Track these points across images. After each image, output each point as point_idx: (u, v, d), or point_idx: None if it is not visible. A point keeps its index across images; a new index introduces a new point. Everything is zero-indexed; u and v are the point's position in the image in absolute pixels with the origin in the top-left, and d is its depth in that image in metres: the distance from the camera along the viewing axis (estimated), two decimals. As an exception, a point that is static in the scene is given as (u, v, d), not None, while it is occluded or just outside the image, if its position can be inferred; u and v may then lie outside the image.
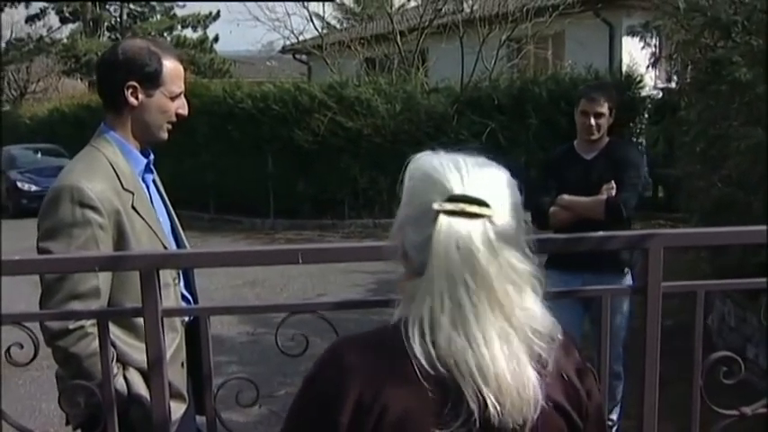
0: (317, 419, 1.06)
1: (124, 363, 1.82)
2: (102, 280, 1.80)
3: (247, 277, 8.64)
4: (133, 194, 1.91)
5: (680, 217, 7.70)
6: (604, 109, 3.40)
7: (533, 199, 3.54)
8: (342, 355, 1.09)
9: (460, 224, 1.03)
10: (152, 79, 1.96)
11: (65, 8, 30.71)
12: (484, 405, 0.99)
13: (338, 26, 23.28)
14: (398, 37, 13.70)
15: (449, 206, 1.04)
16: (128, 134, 2.00)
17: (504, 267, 1.02)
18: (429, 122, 11.96)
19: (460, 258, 1.02)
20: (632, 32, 6.50)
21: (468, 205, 1.03)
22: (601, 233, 1.45)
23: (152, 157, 2.10)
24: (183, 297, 2.05)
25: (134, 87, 1.96)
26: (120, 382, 1.77)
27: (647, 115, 11.89)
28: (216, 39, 32.26)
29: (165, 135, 2.06)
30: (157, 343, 1.43)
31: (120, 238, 1.85)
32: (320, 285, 8.00)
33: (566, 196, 3.39)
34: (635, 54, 10.79)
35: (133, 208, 1.89)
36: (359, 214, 12.18)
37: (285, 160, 12.37)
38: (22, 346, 1.48)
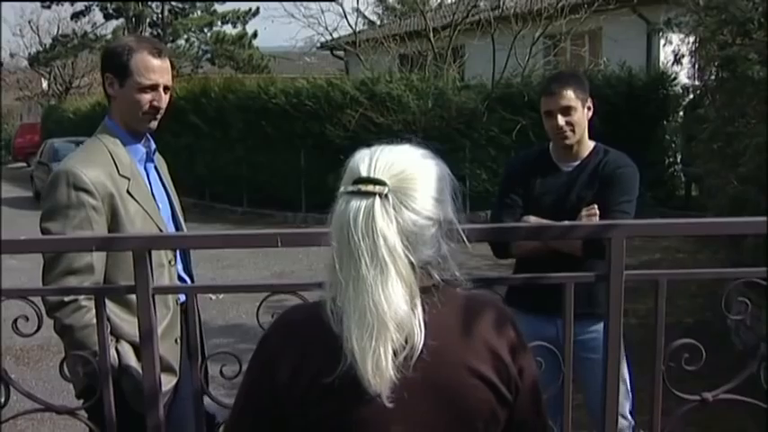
0: (260, 376, 1.20)
1: (117, 336, 1.96)
2: (97, 258, 1.95)
3: (275, 269, 8.84)
4: (129, 180, 2.06)
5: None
6: (572, 101, 2.66)
7: (492, 219, 2.94)
8: (288, 321, 1.23)
9: (353, 203, 1.12)
10: (122, 71, 2.11)
11: (109, 5, 31.43)
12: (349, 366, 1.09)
13: (378, 22, 23.41)
14: (431, 34, 13.74)
15: (350, 188, 1.13)
16: (119, 123, 2.17)
17: (381, 247, 1.09)
18: (460, 119, 12.00)
19: (343, 234, 1.11)
20: (654, 30, 6.45)
21: (364, 185, 1.12)
22: (566, 222, 1.51)
23: (153, 146, 2.23)
24: (181, 279, 2.19)
25: (110, 79, 2.13)
26: (111, 354, 1.90)
27: (682, 113, 11.77)
28: (255, 35, 32.64)
29: (144, 125, 2.17)
30: (148, 318, 1.55)
31: (114, 220, 2.00)
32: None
33: (533, 218, 2.65)
34: (670, 51, 10.71)
35: (128, 193, 2.04)
36: (389, 209, 12.28)
37: (317, 155, 12.52)
38: (27, 319, 1.62)
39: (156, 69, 2.12)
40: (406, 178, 1.15)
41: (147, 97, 2.12)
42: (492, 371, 1.17)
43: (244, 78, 16.34)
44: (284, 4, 24.93)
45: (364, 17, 22.44)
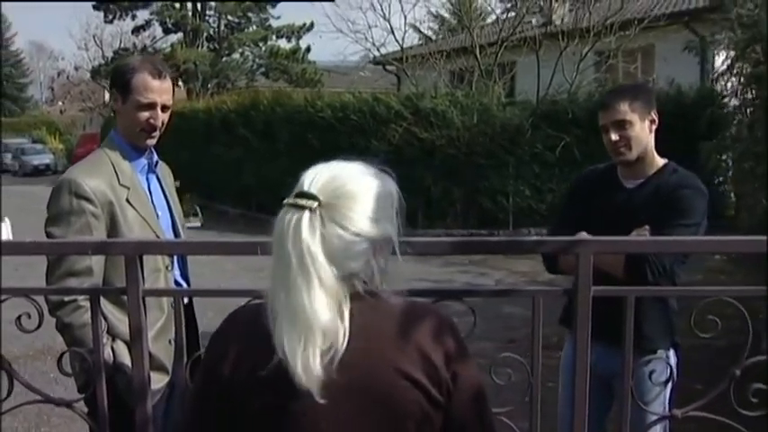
0: (208, 371, 1.30)
1: (113, 335, 2.10)
2: (96, 261, 2.09)
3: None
4: (129, 189, 2.20)
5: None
6: (627, 115, 2.52)
7: (550, 234, 2.83)
8: (233, 320, 1.33)
9: (288, 214, 1.21)
10: (124, 88, 2.26)
11: (168, 19, 32.41)
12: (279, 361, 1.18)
13: (434, 37, 23.56)
14: (478, 50, 13.79)
15: (290, 200, 1.23)
16: (123, 136, 2.30)
17: (305, 257, 1.18)
18: (504, 135, 12.00)
19: (276, 242, 1.21)
20: (688, 48, 6.37)
21: (300, 199, 1.21)
22: (535, 237, 1.55)
23: (155, 158, 2.37)
24: (178, 284, 2.31)
25: (115, 95, 2.28)
26: (107, 352, 2.02)
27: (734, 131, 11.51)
28: (308, 49, 33.14)
29: (142, 141, 2.30)
30: (138, 319, 1.66)
31: (114, 226, 2.14)
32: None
33: (583, 235, 2.27)
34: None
35: (127, 201, 2.18)
36: (432, 224, 12.30)
37: (362, 169, 12.63)
38: (29, 316, 1.74)
39: (155, 89, 2.25)
40: (341, 195, 1.23)
41: (144, 115, 2.26)
42: (422, 374, 1.23)
43: (292, 92, 16.65)
44: (332, 17, 25.17)
45: (419, 32, 22.60)
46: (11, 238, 9.93)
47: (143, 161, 2.34)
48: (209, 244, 1.69)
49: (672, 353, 2.61)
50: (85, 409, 1.90)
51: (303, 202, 1.21)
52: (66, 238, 2.06)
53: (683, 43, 12.93)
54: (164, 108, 2.28)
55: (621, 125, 2.54)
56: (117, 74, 2.27)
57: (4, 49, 54.92)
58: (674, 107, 11.43)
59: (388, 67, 19.91)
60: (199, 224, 14.37)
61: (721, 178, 11.72)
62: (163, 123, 2.29)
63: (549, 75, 12.60)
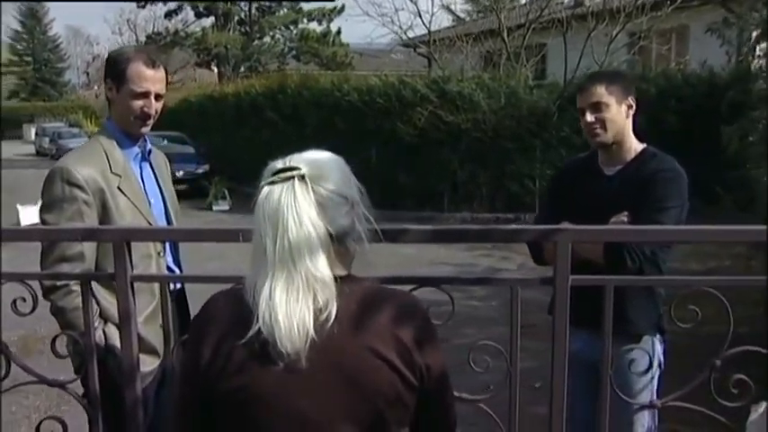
0: (189, 358, 1.34)
1: (105, 318, 2.15)
2: (87, 246, 2.15)
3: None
4: (120, 177, 2.24)
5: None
6: (602, 98, 2.53)
7: (534, 222, 2.84)
8: (214, 302, 1.36)
9: (275, 188, 1.26)
10: (118, 77, 2.30)
11: (199, 4, 32.62)
12: (265, 330, 1.21)
13: (468, 18, 23.38)
14: (505, 33, 13.64)
15: (270, 179, 1.28)
16: (117, 124, 2.35)
17: (305, 222, 1.23)
18: (530, 118, 11.89)
19: (269, 214, 1.24)
20: (710, 30, 6.22)
21: (282, 173, 1.27)
22: (514, 226, 1.55)
23: (148, 147, 2.41)
24: (170, 269, 2.37)
25: (109, 84, 2.32)
26: (99, 335, 2.08)
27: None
28: (339, 32, 33.13)
29: (136, 129, 2.35)
30: (127, 303, 1.71)
31: (106, 213, 2.19)
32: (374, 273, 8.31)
33: (565, 225, 2.22)
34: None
35: (119, 189, 2.22)
36: (458, 207, 12.30)
37: (388, 152, 12.65)
38: (24, 300, 1.79)
39: (149, 78, 2.30)
40: (318, 165, 1.30)
41: (138, 103, 2.30)
42: (395, 355, 1.26)
43: (319, 75, 16.68)
44: (359, 2, 25.11)
45: (452, 13, 22.43)
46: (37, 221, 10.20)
47: (136, 149, 2.39)
48: (195, 231, 1.73)
49: (658, 339, 2.59)
50: (81, 390, 1.95)
51: (287, 173, 1.26)
52: (59, 224, 2.12)
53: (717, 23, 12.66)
54: (157, 97, 2.33)
55: (597, 107, 2.55)
56: (112, 63, 2.32)
57: (43, 35, 55.85)
58: (706, 89, 11.21)
59: (419, 50, 19.84)
60: (227, 207, 14.53)
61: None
62: (156, 112, 2.34)
63: (565, 57, 12.40)
